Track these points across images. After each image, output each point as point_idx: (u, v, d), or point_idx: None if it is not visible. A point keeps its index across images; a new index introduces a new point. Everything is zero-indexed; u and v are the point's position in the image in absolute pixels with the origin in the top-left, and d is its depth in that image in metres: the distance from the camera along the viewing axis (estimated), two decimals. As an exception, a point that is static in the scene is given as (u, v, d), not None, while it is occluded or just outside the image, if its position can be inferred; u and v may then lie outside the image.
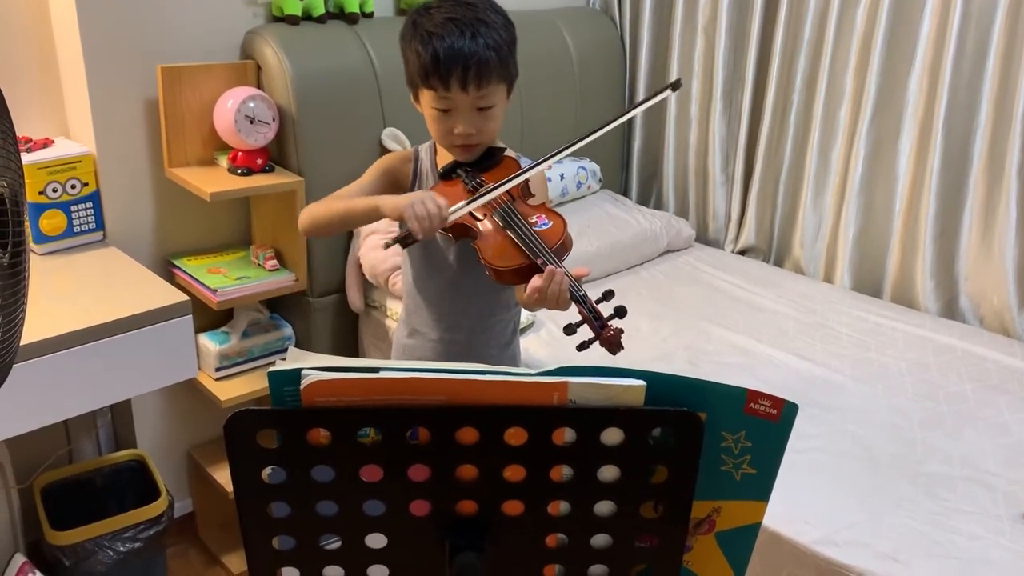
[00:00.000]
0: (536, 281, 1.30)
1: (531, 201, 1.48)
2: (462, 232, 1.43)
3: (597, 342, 1.26)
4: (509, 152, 1.53)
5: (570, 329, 1.27)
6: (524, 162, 1.52)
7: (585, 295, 1.29)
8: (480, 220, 1.42)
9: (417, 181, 1.56)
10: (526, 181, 1.47)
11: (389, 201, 1.40)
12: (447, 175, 1.50)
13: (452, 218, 1.38)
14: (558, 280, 1.28)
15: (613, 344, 1.26)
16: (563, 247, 1.37)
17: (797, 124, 2.83)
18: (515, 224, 1.38)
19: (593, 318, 1.27)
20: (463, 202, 1.40)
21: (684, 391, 0.82)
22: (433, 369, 0.81)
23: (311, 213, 1.53)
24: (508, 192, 1.43)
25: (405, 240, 1.39)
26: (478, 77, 1.38)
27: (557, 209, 1.46)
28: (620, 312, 1.27)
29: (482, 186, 1.44)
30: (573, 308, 1.30)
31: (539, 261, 1.32)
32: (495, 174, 1.47)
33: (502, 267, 1.36)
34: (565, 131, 2.91)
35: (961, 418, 2.02)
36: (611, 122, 1.45)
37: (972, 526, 1.66)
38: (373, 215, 1.44)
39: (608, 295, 1.31)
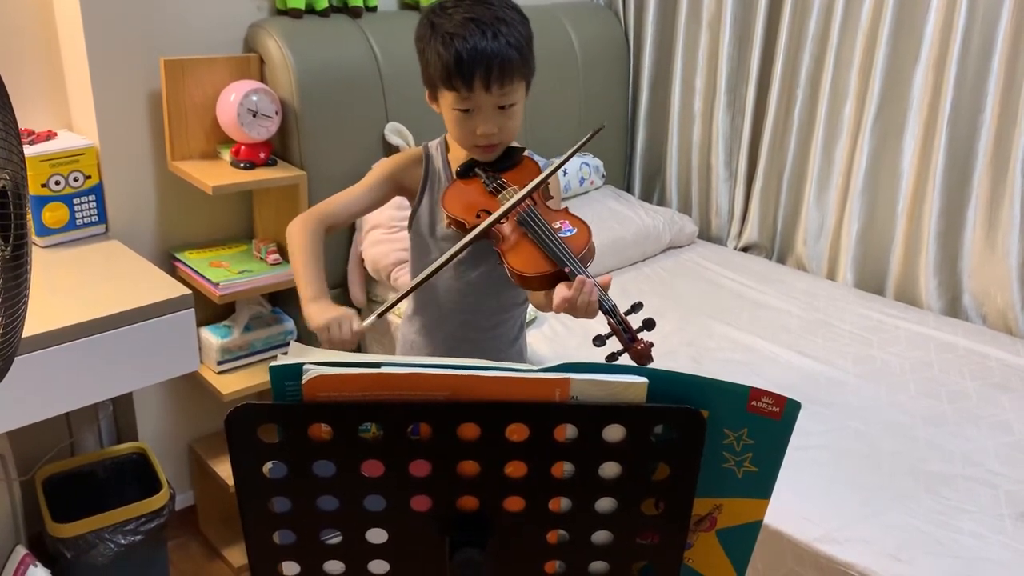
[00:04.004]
0: (565, 291, 1.27)
1: (550, 203, 1.46)
2: (482, 235, 1.39)
3: (627, 354, 1.24)
4: (528, 152, 1.51)
5: (599, 341, 1.25)
6: (540, 162, 1.50)
7: (614, 306, 1.27)
8: (503, 223, 1.38)
9: (428, 182, 1.53)
10: (546, 184, 1.46)
11: (311, 312, 1.40)
12: (465, 174, 1.47)
13: (365, 326, 1.37)
14: (588, 290, 1.26)
15: (643, 357, 1.23)
16: (588, 255, 1.35)
17: (801, 121, 2.83)
18: (540, 230, 1.36)
19: (623, 330, 1.25)
20: (372, 317, 1.37)
21: (686, 388, 0.82)
22: (435, 365, 0.81)
23: (290, 235, 1.55)
24: (530, 196, 1.40)
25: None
26: (501, 77, 1.36)
27: (577, 214, 1.44)
28: (649, 324, 1.24)
29: (503, 187, 1.42)
30: (600, 317, 1.28)
31: (566, 269, 1.29)
32: (515, 175, 1.44)
33: (528, 274, 1.33)
34: (569, 127, 2.90)
35: (963, 416, 2.02)
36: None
37: (974, 525, 1.66)
38: (300, 297, 1.45)
39: (637, 307, 1.28)
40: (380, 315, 1.36)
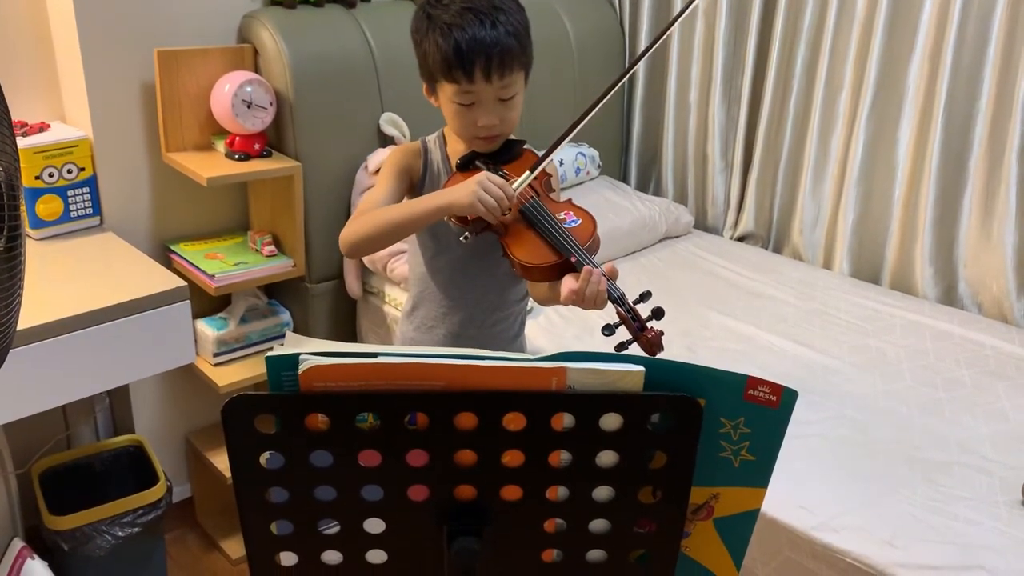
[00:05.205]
0: (572, 282, 1.26)
1: (552, 196, 1.45)
2: (483, 226, 1.38)
3: (636, 343, 1.23)
4: (528, 146, 1.50)
5: (608, 330, 1.24)
6: (540, 156, 1.49)
7: (623, 295, 1.26)
8: (506, 214, 1.37)
9: (428, 174, 1.53)
10: (548, 176, 1.46)
11: (454, 198, 1.34)
12: (465, 166, 1.46)
13: (517, 192, 1.35)
14: (596, 280, 1.24)
15: (654, 345, 1.22)
16: (594, 245, 1.34)
17: (797, 110, 2.82)
18: (544, 220, 1.35)
19: (632, 319, 1.24)
20: (526, 173, 1.37)
21: (683, 377, 0.82)
22: (432, 354, 0.81)
23: (356, 231, 1.44)
24: (532, 187, 1.40)
25: (481, 228, 1.36)
26: (501, 66, 1.35)
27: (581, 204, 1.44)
28: (658, 313, 1.23)
29: (505, 179, 1.40)
30: (608, 307, 1.27)
31: (572, 260, 1.28)
32: (516, 166, 1.43)
33: (534, 265, 1.32)
34: (564, 117, 2.89)
35: (959, 404, 2.02)
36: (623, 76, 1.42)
37: (969, 512, 1.67)
38: (438, 216, 1.39)
39: (645, 296, 1.27)
40: (525, 181, 1.36)
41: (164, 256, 2.32)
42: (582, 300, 1.26)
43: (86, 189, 2.13)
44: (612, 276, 1.27)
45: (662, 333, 1.23)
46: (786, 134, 2.86)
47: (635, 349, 1.22)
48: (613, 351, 1.21)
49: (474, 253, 1.48)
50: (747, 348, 2.27)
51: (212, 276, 2.17)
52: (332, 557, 0.89)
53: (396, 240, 1.46)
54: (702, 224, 3.14)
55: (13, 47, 2.11)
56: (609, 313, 1.27)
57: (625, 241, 2.77)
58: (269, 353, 0.81)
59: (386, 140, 2.45)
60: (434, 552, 0.86)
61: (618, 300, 1.25)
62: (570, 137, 1.42)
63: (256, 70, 2.30)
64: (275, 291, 2.52)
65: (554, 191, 1.47)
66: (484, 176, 1.34)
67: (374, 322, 2.47)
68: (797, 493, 1.70)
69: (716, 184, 3.09)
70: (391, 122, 2.43)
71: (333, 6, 2.43)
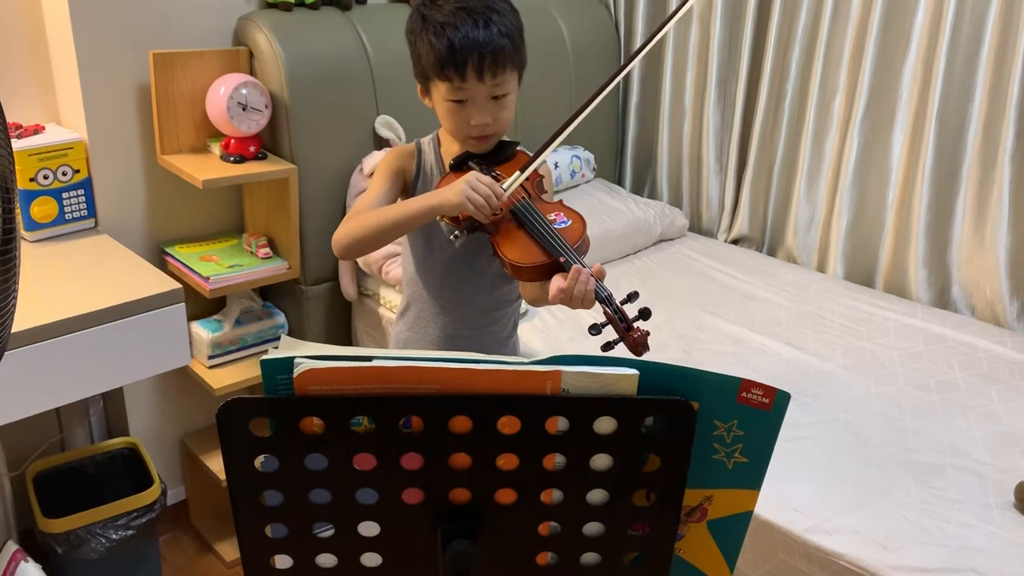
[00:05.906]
0: (560, 282, 1.28)
1: (544, 197, 1.46)
2: (474, 225, 1.39)
3: (622, 343, 1.24)
4: (521, 147, 1.51)
5: (595, 329, 1.25)
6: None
7: (610, 295, 1.27)
8: (497, 214, 1.38)
9: (421, 175, 1.53)
10: (540, 178, 1.46)
11: (443, 198, 1.35)
12: (458, 167, 1.47)
13: (508, 192, 1.36)
14: (584, 280, 1.25)
15: (639, 345, 1.23)
16: (583, 246, 1.36)
17: (791, 114, 2.83)
18: (535, 221, 1.36)
19: (619, 319, 1.25)
20: (516, 173, 1.38)
21: (677, 380, 0.83)
22: (427, 358, 0.81)
23: (349, 233, 1.45)
24: (524, 188, 1.41)
25: (472, 228, 1.37)
26: (494, 65, 1.37)
27: (572, 206, 1.45)
28: (644, 314, 1.24)
29: (497, 179, 1.41)
30: (596, 307, 1.28)
31: (561, 259, 1.30)
32: (509, 167, 1.44)
33: (524, 264, 1.33)
34: (559, 119, 2.88)
35: (952, 407, 2.03)
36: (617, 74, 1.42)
37: (962, 514, 1.67)
38: (429, 216, 1.40)
39: (633, 296, 1.28)
40: (516, 181, 1.37)
41: (159, 258, 2.31)
42: (570, 299, 1.27)
43: (81, 191, 2.13)
44: (600, 276, 1.28)
45: (648, 333, 1.24)
46: (780, 138, 2.87)
47: (621, 348, 1.23)
48: (600, 350, 1.23)
49: (465, 254, 1.50)
50: (741, 351, 2.27)
51: (207, 278, 2.17)
52: (327, 560, 0.89)
53: (388, 241, 1.47)
54: (697, 227, 3.15)
55: (8, 49, 2.11)
56: (599, 313, 1.28)
57: (620, 244, 2.78)
58: (264, 356, 0.81)
59: (381, 142, 2.46)
60: (429, 555, 0.87)
61: (605, 300, 1.27)
62: (562, 138, 1.43)
63: (251, 72, 2.30)
64: (270, 293, 2.52)
65: (546, 192, 1.48)
66: (473, 176, 1.35)
67: (369, 324, 2.47)
68: (790, 495, 1.70)
69: (711, 187, 3.10)
70: (386, 124, 2.43)
71: (328, 9, 2.43)
